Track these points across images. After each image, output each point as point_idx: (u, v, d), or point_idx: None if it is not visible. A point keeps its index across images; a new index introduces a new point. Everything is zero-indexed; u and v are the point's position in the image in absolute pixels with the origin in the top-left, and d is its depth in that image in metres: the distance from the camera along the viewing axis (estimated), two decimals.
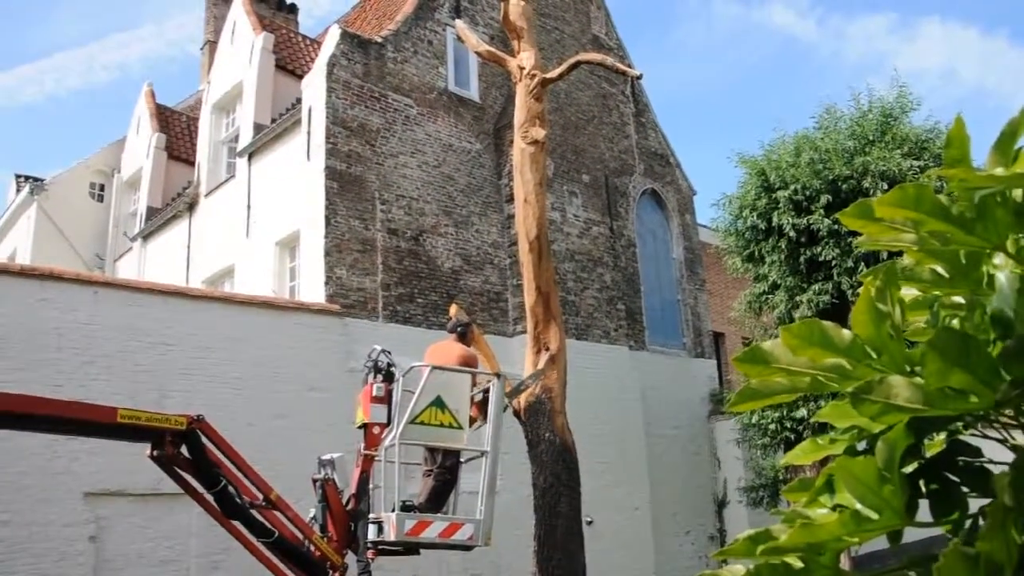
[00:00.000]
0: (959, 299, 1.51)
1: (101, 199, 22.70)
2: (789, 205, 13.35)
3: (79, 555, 9.50)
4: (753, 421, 14.46)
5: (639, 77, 9.43)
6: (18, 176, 24.35)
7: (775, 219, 13.46)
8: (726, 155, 27.90)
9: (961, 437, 1.38)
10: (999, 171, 1.33)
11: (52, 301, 10.02)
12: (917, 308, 1.58)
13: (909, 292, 1.55)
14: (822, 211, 13.01)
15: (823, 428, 1.43)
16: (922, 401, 1.15)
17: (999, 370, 1.13)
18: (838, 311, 13.33)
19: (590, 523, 11.69)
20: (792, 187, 13.29)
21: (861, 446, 1.41)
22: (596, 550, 10.86)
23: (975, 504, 1.26)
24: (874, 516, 1.20)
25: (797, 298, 13.57)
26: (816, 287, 13.28)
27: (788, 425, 13.68)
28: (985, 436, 1.39)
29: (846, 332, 1.42)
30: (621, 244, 17.19)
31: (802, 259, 13.44)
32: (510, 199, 14.17)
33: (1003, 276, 1.28)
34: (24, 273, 10.28)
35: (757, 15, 67.32)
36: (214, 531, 7.31)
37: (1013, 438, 1.34)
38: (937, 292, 1.53)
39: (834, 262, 13.00)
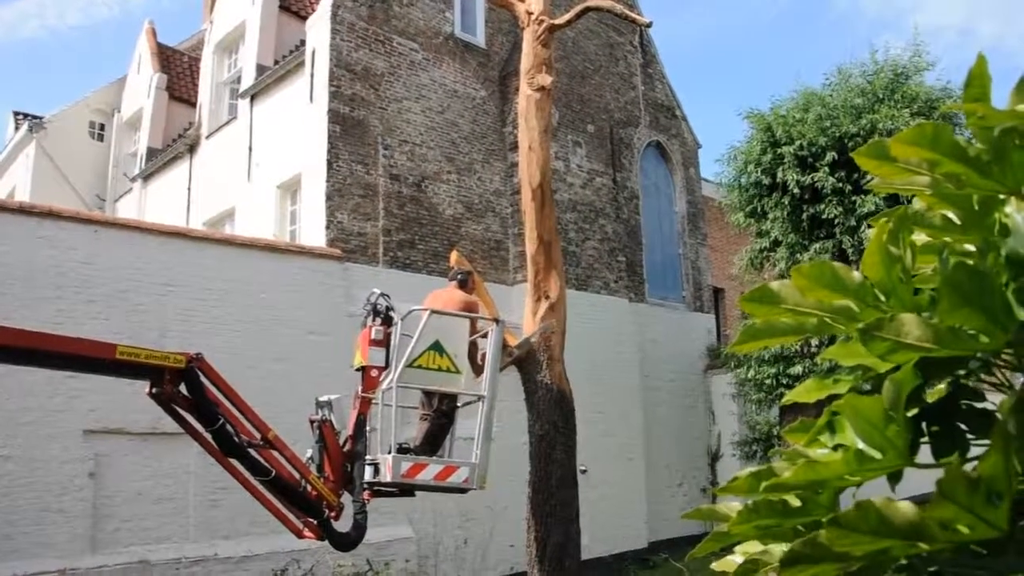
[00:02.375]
0: (969, 247, 1.49)
1: (101, 138, 22.53)
2: (794, 161, 13.28)
3: (80, 490, 9.61)
4: (749, 376, 14.55)
5: (648, 25, 9.28)
6: (16, 113, 24.08)
7: (779, 175, 13.40)
8: (734, 109, 27.68)
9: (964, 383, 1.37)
10: (1021, 108, 1.30)
11: (51, 239, 9.98)
12: (926, 254, 1.57)
13: (919, 238, 1.53)
14: (827, 169, 12.95)
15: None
16: (932, 340, 1.14)
17: (1012, 310, 1.12)
18: None
19: (584, 471, 11.82)
20: (798, 143, 13.20)
21: (866, 387, 1.40)
22: (589, 498, 11.00)
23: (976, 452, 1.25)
24: (877, 456, 1.20)
25: (798, 255, 13.56)
26: (818, 245, 13.27)
27: (784, 381, 13.77)
28: (991, 385, 1.39)
29: (856, 274, 1.41)
30: (624, 196, 17.10)
31: (805, 216, 13.41)
32: (514, 147, 14.07)
33: (1020, 218, 1.26)
34: (23, 210, 10.21)
35: None
36: (212, 470, 7.39)
37: (1014, 386, 1.33)
38: (947, 238, 1.51)
39: (837, 220, 12.97)
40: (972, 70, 1.37)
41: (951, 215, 1.47)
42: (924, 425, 1.32)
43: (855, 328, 1.39)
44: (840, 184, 12.86)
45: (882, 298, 1.38)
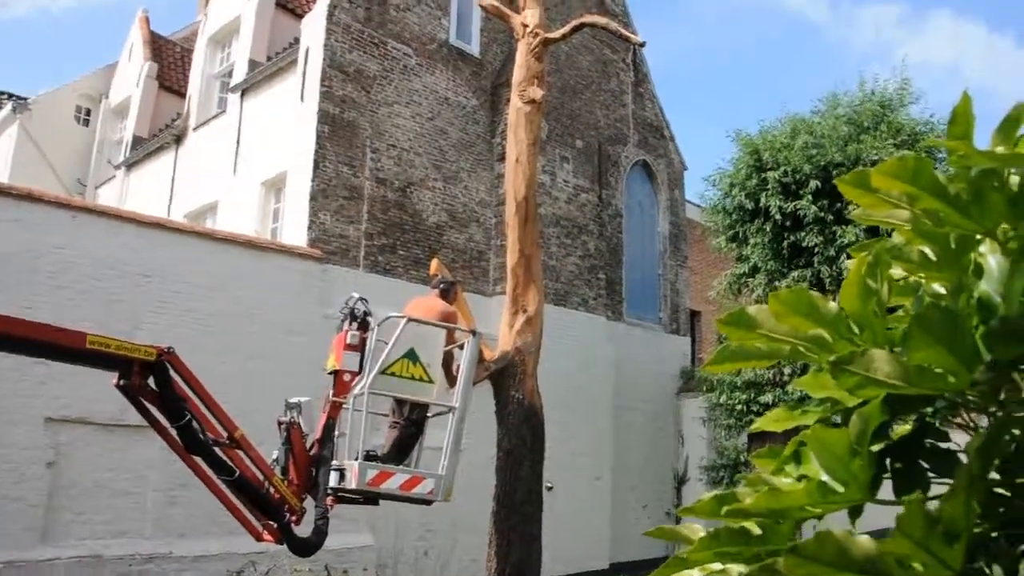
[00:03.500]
0: (942, 289, 1.50)
1: (87, 123, 22.34)
2: (778, 187, 13.38)
3: (38, 479, 9.46)
4: (720, 401, 14.60)
5: (642, 45, 9.33)
6: (1, 93, 23.85)
7: (763, 200, 13.49)
8: (722, 132, 27.87)
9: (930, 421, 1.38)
10: (1000, 150, 1.31)
11: (27, 222, 9.85)
12: (901, 293, 1.58)
13: (895, 272, 1.54)
14: (810, 196, 13.05)
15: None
16: (901, 377, 1.14)
17: (979, 352, 1.12)
18: None
19: (550, 488, 11.80)
20: (783, 169, 13.30)
21: (834, 420, 1.40)
22: (554, 515, 10.96)
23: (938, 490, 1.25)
24: (840, 489, 1.20)
25: (776, 282, 13.64)
26: (796, 273, 13.36)
27: (754, 408, 13.83)
28: (956, 425, 1.39)
29: (832, 304, 1.41)
30: (608, 213, 17.14)
31: (785, 243, 13.50)
32: (501, 158, 14.08)
33: (994, 260, 1.27)
34: (0, 191, 10.09)
35: None
36: (174, 466, 7.27)
37: (979, 428, 1.34)
38: (923, 275, 1.52)
39: (816, 249, 13.07)
40: (957, 108, 1.38)
41: (928, 251, 1.48)
42: (888, 461, 1.32)
43: (827, 358, 1.39)
44: (822, 213, 12.96)
45: (856, 330, 1.39)
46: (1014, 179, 1.34)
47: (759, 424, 1.45)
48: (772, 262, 13.76)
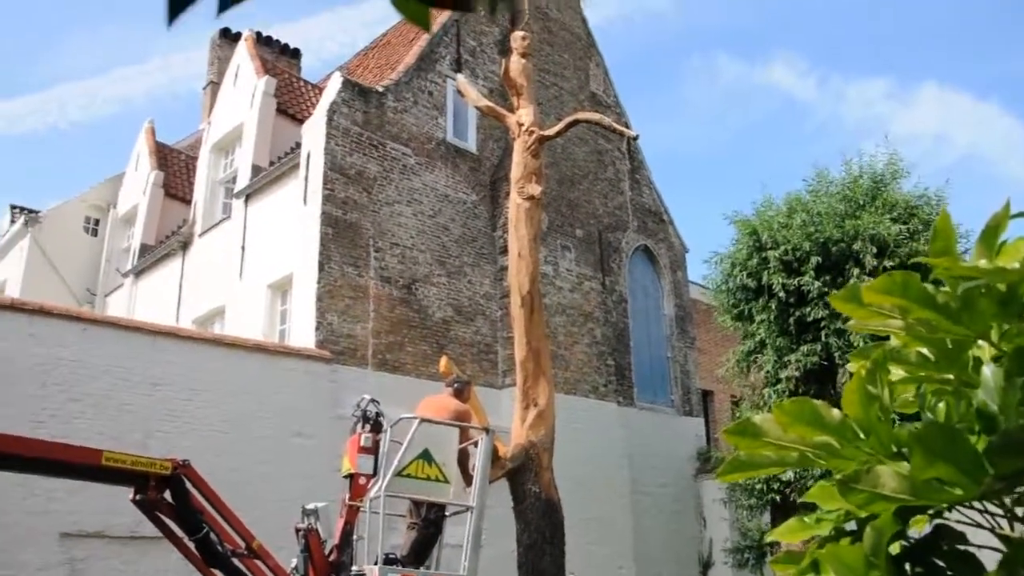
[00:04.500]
0: (948, 377, 1.54)
1: (95, 233, 22.72)
2: (779, 265, 13.47)
3: None
4: (740, 481, 14.40)
5: (635, 138, 9.58)
6: (13, 207, 24.37)
7: (765, 279, 13.57)
8: (720, 212, 28.12)
9: (946, 520, 1.40)
10: (983, 263, 1.38)
11: (40, 336, 9.97)
12: (905, 384, 1.62)
13: (897, 372, 1.59)
14: (812, 272, 13.13)
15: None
16: (908, 491, 1.18)
17: (983, 463, 1.16)
18: (826, 372, 13.38)
19: None
20: (783, 247, 13.42)
21: (849, 526, 1.43)
22: None
23: None
24: None
25: (785, 358, 13.61)
26: (805, 348, 13.33)
27: (775, 487, 13.63)
28: (976, 525, 1.41)
29: (836, 412, 1.45)
30: (612, 299, 17.25)
31: (791, 319, 13.51)
32: (503, 251, 14.26)
33: (988, 370, 1.31)
34: (13, 307, 10.23)
35: (760, 74, 68.43)
36: None
37: (999, 524, 1.37)
38: (923, 373, 1.57)
39: (823, 323, 13.08)
40: (937, 223, 1.45)
41: (926, 352, 1.53)
42: (908, 566, 1.35)
43: (836, 464, 1.43)
44: (825, 288, 13.02)
45: (861, 435, 1.43)
46: (1001, 284, 1.41)
47: (774, 535, 1.48)
48: (780, 338, 13.76)
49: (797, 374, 13.40)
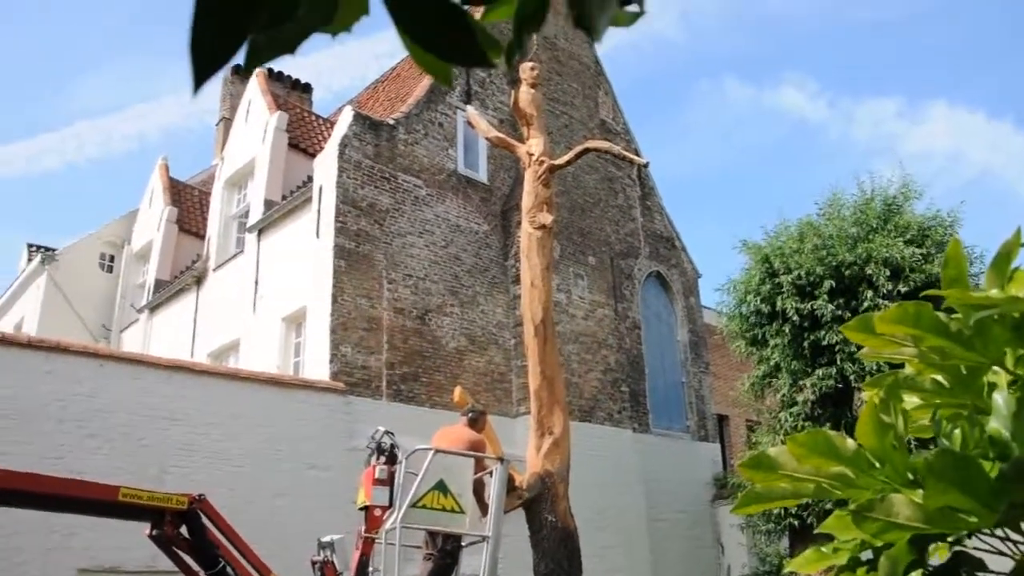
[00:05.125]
0: (962, 402, 1.55)
1: (110, 270, 22.91)
2: (793, 290, 13.45)
3: None
4: None
5: (645, 165, 9.63)
6: (30, 246, 24.65)
7: (779, 304, 13.54)
8: (733, 237, 28.07)
9: (965, 548, 1.40)
10: (995, 293, 1.39)
11: (57, 373, 10.04)
12: (920, 410, 1.62)
13: (911, 400, 1.59)
14: (826, 296, 13.10)
15: (828, 514, 1.46)
16: (923, 520, 1.18)
17: (998, 491, 1.17)
18: (841, 395, 13.31)
19: None
20: (796, 272, 13.40)
21: (865, 556, 1.43)
22: None
23: None
24: None
25: (800, 382, 13.55)
26: (820, 371, 13.28)
27: (793, 511, 13.51)
28: (996, 552, 1.41)
29: (850, 442, 1.45)
30: (626, 326, 17.23)
31: (806, 343, 13.47)
32: (516, 280, 14.29)
33: (1000, 398, 1.32)
34: (31, 345, 10.32)
35: (769, 97, 68.67)
36: None
37: (1017, 548, 1.37)
38: (938, 400, 1.57)
39: (837, 347, 13.02)
40: (948, 252, 1.47)
41: (940, 379, 1.54)
42: None
43: (852, 494, 1.43)
44: (839, 311, 12.99)
45: (876, 464, 1.43)
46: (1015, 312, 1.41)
47: (792, 566, 1.49)
48: (794, 362, 13.71)
49: (813, 397, 13.34)
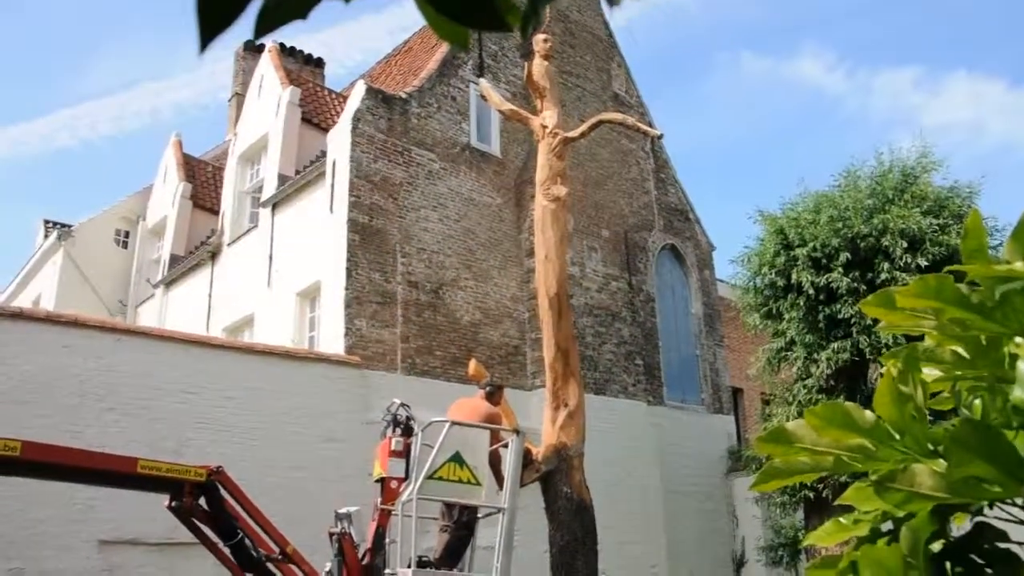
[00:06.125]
0: (982, 373, 1.53)
1: (126, 246, 23.03)
2: (808, 263, 13.35)
3: None
4: None
5: (660, 137, 9.56)
6: (47, 222, 24.83)
7: (794, 276, 13.45)
8: (748, 209, 27.88)
9: (986, 518, 1.39)
10: (1019, 266, 1.37)
11: (75, 347, 10.13)
12: (940, 383, 1.61)
13: (931, 372, 1.58)
14: (841, 269, 13.00)
15: (844, 487, 1.45)
16: (945, 490, 1.18)
17: (1022, 460, 1.16)
18: (857, 369, 13.25)
19: None
20: (811, 244, 13.30)
21: (885, 527, 1.43)
22: None
23: None
24: None
25: (815, 355, 13.49)
26: (835, 345, 13.21)
27: (808, 484, 13.51)
28: (1018, 521, 1.40)
29: (869, 413, 1.44)
30: (640, 299, 17.21)
31: (821, 316, 13.40)
32: (530, 253, 14.27)
33: (1023, 366, 1.31)
34: (49, 319, 10.41)
35: (786, 68, 67.90)
36: None
37: None
38: (959, 372, 1.56)
39: (853, 320, 12.95)
40: (968, 223, 1.45)
41: (960, 350, 1.52)
42: (948, 565, 1.34)
43: (872, 466, 1.43)
44: (855, 284, 12.90)
45: (896, 436, 1.42)
46: None
47: (811, 539, 1.48)
48: (809, 335, 13.65)
49: (828, 371, 13.29)
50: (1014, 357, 1.45)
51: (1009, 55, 61.79)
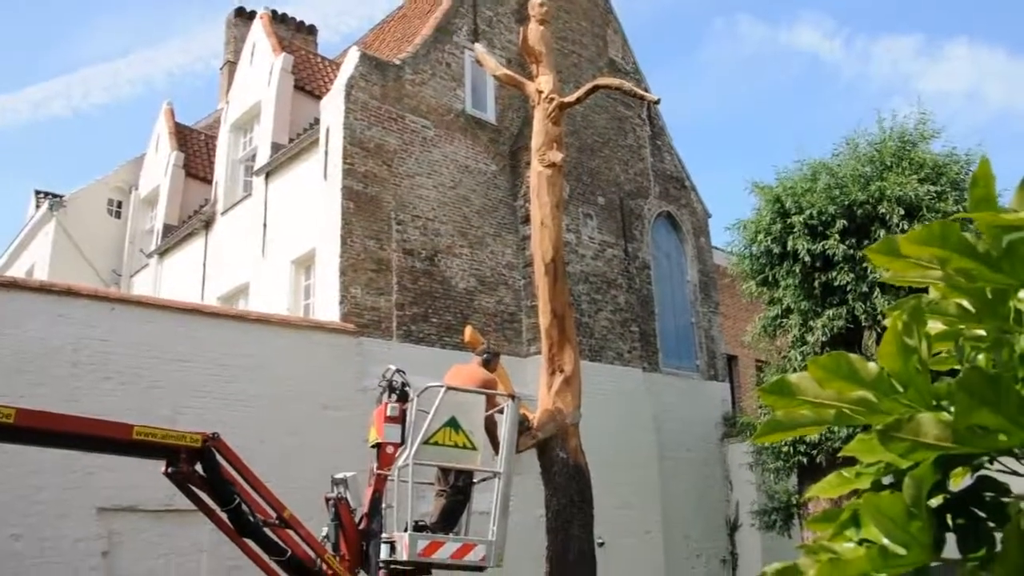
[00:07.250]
0: (983, 333, 1.52)
1: (118, 215, 22.90)
2: (804, 230, 13.34)
3: (92, 571, 9.52)
4: (766, 444, 14.37)
5: (657, 102, 9.49)
6: (38, 192, 24.62)
7: (790, 244, 13.44)
8: (744, 177, 27.79)
9: (987, 472, 1.38)
10: None
11: (69, 317, 10.10)
12: (943, 340, 1.59)
13: (935, 326, 1.56)
14: (837, 236, 12.99)
15: (836, 452, 1.44)
16: (951, 439, 1.16)
17: None
18: (852, 336, 13.29)
19: (602, 545, 11.63)
20: (807, 212, 13.27)
21: (887, 480, 1.41)
22: (608, 572, 10.81)
23: None
24: (902, 552, 1.21)
25: (811, 322, 13.52)
26: (830, 312, 13.23)
27: (801, 449, 13.61)
28: (1014, 473, 1.39)
29: (872, 365, 1.42)
30: (635, 266, 17.19)
31: (816, 284, 13.41)
32: (525, 220, 14.23)
33: None
34: (43, 289, 10.37)
35: (784, 36, 67.25)
36: (226, 548, 7.33)
37: None
38: (963, 326, 1.54)
39: (849, 287, 12.97)
40: (976, 172, 1.42)
41: (966, 303, 1.50)
42: (949, 517, 1.33)
43: (875, 419, 1.41)
44: (851, 251, 12.90)
45: (900, 389, 1.40)
46: None
47: (813, 491, 1.47)
48: (805, 302, 13.67)
49: (823, 338, 13.32)
50: (1020, 312, 1.43)
51: (1008, 22, 61.30)
